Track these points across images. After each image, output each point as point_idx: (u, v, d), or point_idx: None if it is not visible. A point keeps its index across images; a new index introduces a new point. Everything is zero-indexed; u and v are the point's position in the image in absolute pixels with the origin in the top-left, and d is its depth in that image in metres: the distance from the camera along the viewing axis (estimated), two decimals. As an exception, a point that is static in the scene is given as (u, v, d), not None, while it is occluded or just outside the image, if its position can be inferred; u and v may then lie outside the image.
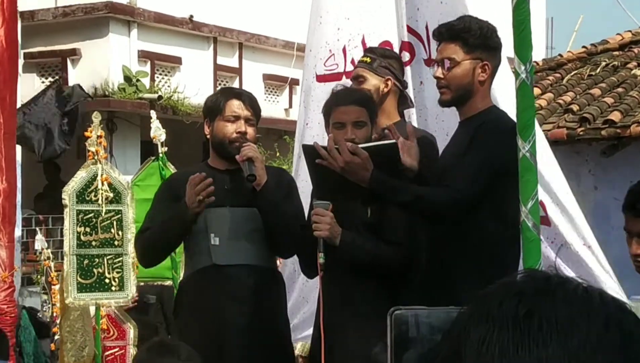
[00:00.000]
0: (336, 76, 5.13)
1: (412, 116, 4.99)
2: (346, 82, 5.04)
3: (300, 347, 5.00)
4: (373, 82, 4.39)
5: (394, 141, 3.86)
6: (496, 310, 0.89)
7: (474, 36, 3.79)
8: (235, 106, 4.27)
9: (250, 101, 4.32)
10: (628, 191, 3.38)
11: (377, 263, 4.02)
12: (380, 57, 4.45)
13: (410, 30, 4.96)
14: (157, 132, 5.90)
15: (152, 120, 6.00)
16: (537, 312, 0.87)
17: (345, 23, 5.17)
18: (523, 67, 3.16)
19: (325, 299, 3.98)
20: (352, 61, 5.06)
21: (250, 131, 4.27)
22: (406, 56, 5.00)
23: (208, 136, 4.36)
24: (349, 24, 5.16)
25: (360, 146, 3.74)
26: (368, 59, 4.44)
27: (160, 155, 5.85)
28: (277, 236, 4.21)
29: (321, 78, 5.18)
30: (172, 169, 5.74)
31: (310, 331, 4.42)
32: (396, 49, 5.05)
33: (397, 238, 4.04)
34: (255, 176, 4.07)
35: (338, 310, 4.02)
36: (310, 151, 3.82)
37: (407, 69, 5.00)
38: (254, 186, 4.11)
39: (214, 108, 4.31)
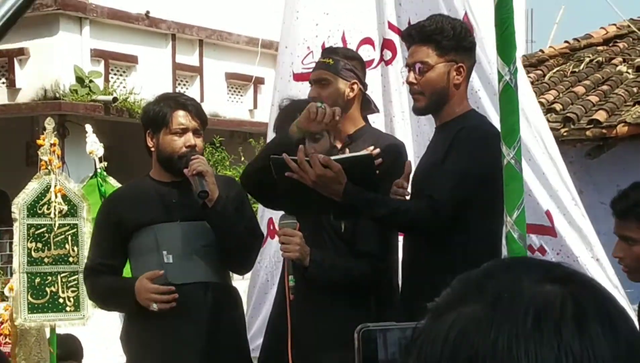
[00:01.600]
0: None
1: (394, 118, 4.98)
2: None
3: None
4: (337, 86, 4.31)
5: (367, 152, 3.85)
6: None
7: (447, 37, 3.77)
8: (182, 118, 4.20)
9: (196, 111, 4.27)
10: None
11: (349, 279, 4.01)
12: (343, 58, 4.38)
13: (392, 27, 4.95)
14: (94, 146, 5.86)
15: (87, 134, 5.96)
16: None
17: (323, 18, 5.14)
18: (507, 69, 3.14)
19: (294, 319, 3.97)
20: None
21: (198, 142, 4.22)
22: (388, 55, 4.99)
23: (152, 149, 4.29)
24: (327, 20, 5.13)
25: (332, 158, 3.72)
26: (330, 61, 4.34)
27: (99, 171, 5.83)
28: (230, 252, 4.19)
29: (299, 77, 5.13)
30: (112, 183, 5.70)
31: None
32: (377, 47, 5.04)
33: (370, 248, 4.03)
34: (208, 192, 4.03)
35: (307, 328, 4.01)
36: (280, 164, 3.77)
37: (389, 68, 4.99)
38: (206, 202, 4.08)
39: (157, 120, 4.23)
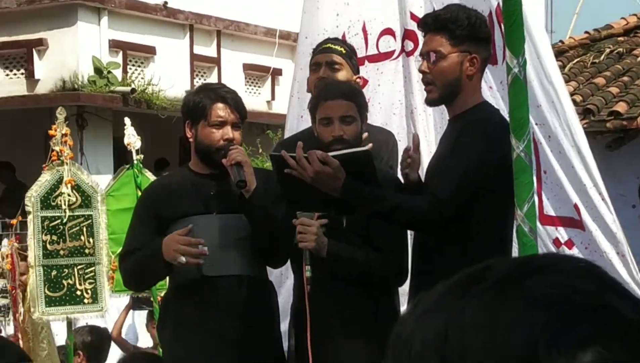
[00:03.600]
0: None
1: (416, 110, 4.99)
2: None
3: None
4: (347, 75, 4.37)
5: (367, 147, 3.86)
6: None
7: (462, 27, 3.74)
8: (221, 110, 4.22)
9: (235, 104, 4.27)
10: None
11: (367, 273, 4.01)
12: (351, 51, 4.42)
13: (414, 17, 4.92)
14: (132, 139, 5.90)
15: (126, 127, 6.01)
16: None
17: (344, 9, 5.14)
18: (515, 61, 3.14)
19: (312, 313, 4.00)
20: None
21: (237, 135, 4.24)
22: (409, 45, 4.98)
23: (191, 140, 4.32)
24: (348, 10, 5.13)
25: (330, 154, 3.71)
26: (344, 50, 4.40)
27: (135, 162, 5.87)
28: (267, 244, 4.18)
29: None
30: (148, 175, 5.75)
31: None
32: (399, 37, 5.04)
33: (388, 245, 4.05)
34: (246, 181, 4.04)
35: (325, 323, 4.05)
36: (278, 161, 3.79)
37: (410, 59, 4.99)
38: (243, 192, 4.09)
39: (196, 111, 4.26)
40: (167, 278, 4.54)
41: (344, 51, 4.39)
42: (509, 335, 0.80)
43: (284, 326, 4.86)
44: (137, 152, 5.88)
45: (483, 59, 3.84)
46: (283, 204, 4.22)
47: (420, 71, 3.88)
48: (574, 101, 9.97)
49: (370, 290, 4.07)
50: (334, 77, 4.34)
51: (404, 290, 4.22)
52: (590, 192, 4.57)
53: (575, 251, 4.55)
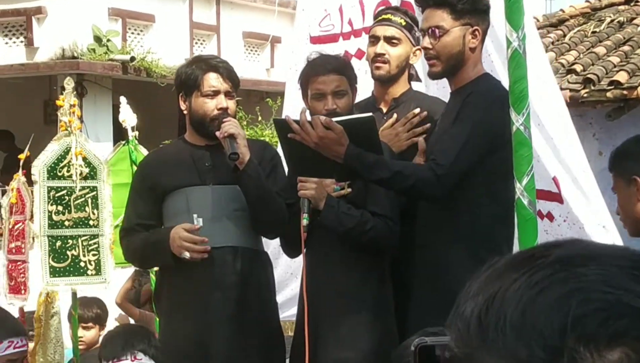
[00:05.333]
0: (332, 38, 5.09)
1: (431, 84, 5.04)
2: (343, 44, 5.05)
3: (287, 326, 5.06)
4: (406, 49, 4.33)
5: (370, 114, 3.91)
6: None
7: (462, 1, 3.77)
8: (213, 80, 4.23)
9: (228, 73, 4.28)
10: None
11: (362, 231, 4.03)
12: (413, 22, 4.34)
13: None
14: (126, 116, 5.95)
15: (121, 105, 6.06)
16: None
17: None
18: (515, 35, 3.14)
19: (310, 278, 4.06)
20: (349, 22, 5.01)
21: (230, 105, 4.25)
22: None
23: (185, 112, 4.34)
24: None
25: (334, 119, 3.73)
26: (403, 21, 4.32)
27: (131, 139, 5.93)
28: (261, 216, 4.19)
29: (315, 40, 5.12)
30: (143, 152, 5.80)
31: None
32: None
33: (383, 211, 4.08)
34: (238, 154, 4.05)
35: (323, 291, 4.10)
36: (282, 126, 3.81)
37: None
38: (236, 164, 4.10)
39: (189, 83, 4.27)
40: None
41: (403, 23, 4.33)
42: (544, 316, 0.82)
43: (281, 297, 4.92)
44: (133, 129, 5.92)
45: (484, 30, 3.87)
46: (276, 177, 4.27)
47: (423, 47, 3.91)
48: (574, 71, 10.01)
49: (365, 261, 4.14)
50: (390, 53, 4.27)
51: None
52: (570, 164, 4.55)
53: (555, 224, 4.58)
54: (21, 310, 5.37)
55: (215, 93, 4.23)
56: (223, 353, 4.16)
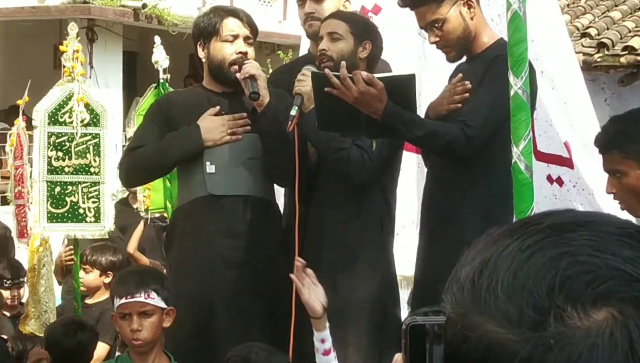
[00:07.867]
0: None
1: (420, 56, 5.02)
2: (359, 0, 5.05)
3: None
4: (334, 4, 4.47)
5: (412, 72, 3.91)
6: None
7: None
8: (233, 25, 4.25)
9: (247, 18, 4.30)
10: None
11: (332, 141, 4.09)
12: None
13: None
14: (159, 57, 5.92)
15: (155, 45, 6.03)
16: None
17: None
18: None
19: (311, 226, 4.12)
20: None
21: (250, 50, 4.25)
22: None
23: (204, 60, 4.32)
24: None
25: (375, 75, 3.70)
26: None
27: (161, 81, 5.91)
28: (275, 161, 4.20)
29: None
30: None
31: None
32: None
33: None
34: (259, 93, 4.07)
35: (319, 239, 4.16)
36: (321, 79, 3.76)
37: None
38: (256, 105, 4.12)
39: (207, 29, 4.27)
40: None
41: None
42: (534, 279, 0.85)
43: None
44: (165, 71, 5.92)
45: None
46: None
47: (431, 43, 3.93)
48: (589, 34, 9.95)
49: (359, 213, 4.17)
50: (319, 10, 4.38)
51: None
52: (582, 129, 4.54)
53: (564, 189, 4.60)
54: None
55: (235, 38, 4.25)
56: (229, 298, 4.17)
